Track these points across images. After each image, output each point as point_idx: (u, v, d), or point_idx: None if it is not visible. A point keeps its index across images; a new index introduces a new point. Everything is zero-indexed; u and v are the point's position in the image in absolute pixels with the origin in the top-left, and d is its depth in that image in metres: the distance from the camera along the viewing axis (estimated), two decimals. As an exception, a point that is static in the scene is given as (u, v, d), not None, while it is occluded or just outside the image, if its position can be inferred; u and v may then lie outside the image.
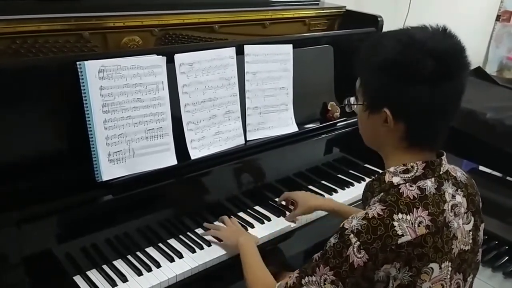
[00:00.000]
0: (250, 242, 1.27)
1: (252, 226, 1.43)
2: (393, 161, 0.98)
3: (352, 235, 0.88)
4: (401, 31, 0.96)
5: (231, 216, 1.44)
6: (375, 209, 0.90)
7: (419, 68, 0.88)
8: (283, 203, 1.55)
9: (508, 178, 3.01)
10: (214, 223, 1.41)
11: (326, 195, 1.64)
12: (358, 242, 0.87)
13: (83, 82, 1.16)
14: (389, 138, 0.97)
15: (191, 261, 1.26)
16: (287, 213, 1.49)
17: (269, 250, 1.39)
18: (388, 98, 0.93)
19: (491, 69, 3.64)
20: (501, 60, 3.74)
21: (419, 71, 0.88)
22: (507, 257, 2.51)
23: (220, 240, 1.33)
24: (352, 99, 1.04)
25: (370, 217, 0.89)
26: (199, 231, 1.39)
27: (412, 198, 0.91)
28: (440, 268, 0.89)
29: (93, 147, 1.19)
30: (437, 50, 0.88)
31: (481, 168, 3.04)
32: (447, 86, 0.90)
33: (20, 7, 1.26)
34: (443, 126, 0.96)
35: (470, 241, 0.98)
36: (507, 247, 2.54)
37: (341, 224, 0.92)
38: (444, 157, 0.99)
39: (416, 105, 0.91)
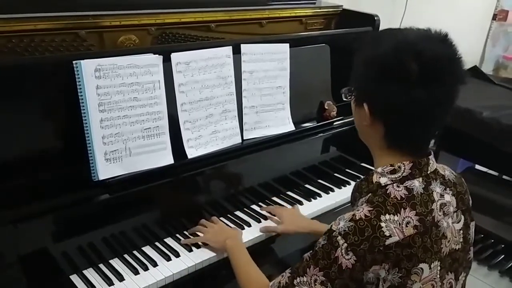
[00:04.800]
0: (237, 243, 1.25)
1: (249, 225, 1.43)
2: (379, 160, 0.99)
3: (339, 237, 0.88)
4: (401, 29, 0.95)
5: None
6: (362, 210, 0.90)
7: (401, 69, 0.87)
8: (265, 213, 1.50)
9: (504, 177, 3.02)
10: (195, 227, 1.36)
11: (323, 194, 1.64)
12: (345, 244, 0.87)
13: (79, 81, 1.16)
14: (371, 135, 0.98)
15: (188, 259, 1.27)
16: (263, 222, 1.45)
17: (264, 250, 1.39)
18: (368, 93, 0.93)
19: (487, 68, 3.64)
20: (497, 59, 3.74)
21: (400, 72, 0.87)
22: (503, 256, 2.53)
23: (206, 244, 1.30)
24: (346, 89, 1.02)
25: (357, 218, 0.88)
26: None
27: (399, 198, 0.90)
28: (430, 268, 0.89)
29: (90, 146, 1.19)
30: (425, 54, 0.86)
31: (477, 167, 3.06)
32: (426, 92, 0.87)
33: (16, 5, 1.25)
34: (422, 132, 0.95)
35: (461, 240, 0.98)
36: (502, 246, 2.55)
37: (329, 226, 0.92)
38: (431, 157, 0.98)
39: (392, 105, 0.90)
